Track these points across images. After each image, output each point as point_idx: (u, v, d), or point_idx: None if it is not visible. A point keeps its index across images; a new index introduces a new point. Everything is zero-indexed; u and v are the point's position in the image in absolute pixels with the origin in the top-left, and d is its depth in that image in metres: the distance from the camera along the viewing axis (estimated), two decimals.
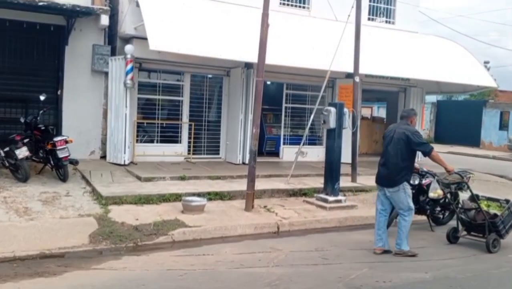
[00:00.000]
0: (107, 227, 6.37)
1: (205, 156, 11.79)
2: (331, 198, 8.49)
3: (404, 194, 6.03)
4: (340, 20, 11.22)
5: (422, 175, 7.11)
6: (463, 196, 7.46)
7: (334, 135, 8.59)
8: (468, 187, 7.02)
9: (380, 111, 25.53)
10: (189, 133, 11.46)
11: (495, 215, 6.64)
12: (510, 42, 53.71)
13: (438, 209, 7.57)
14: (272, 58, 10.14)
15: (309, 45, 10.89)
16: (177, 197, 7.85)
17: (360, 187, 10.09)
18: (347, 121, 8.80)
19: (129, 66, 9.71)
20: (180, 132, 11.54)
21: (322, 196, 8.66)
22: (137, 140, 10.89)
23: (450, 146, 27.74)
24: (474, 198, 6.83)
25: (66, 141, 8.25)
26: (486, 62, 37.71)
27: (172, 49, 9.07)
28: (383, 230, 6.22)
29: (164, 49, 9.06)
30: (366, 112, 25.25)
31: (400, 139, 6.03)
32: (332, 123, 8.53)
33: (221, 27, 10.14)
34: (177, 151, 11.39)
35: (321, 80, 13.38)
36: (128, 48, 9.72)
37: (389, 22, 14.54)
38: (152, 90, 11.35)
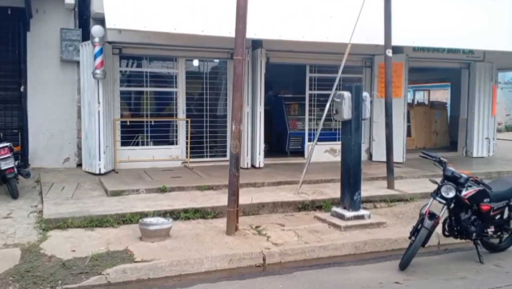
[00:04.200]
0: (27, 263, 5.40)
1: (208, 159, 10.71)
2: (348, 214, 7.08)
3: None
4: None
5: (461, 183, 5.49)
6: None
7: (350, 129, 7.17)
8: None
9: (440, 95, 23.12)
10: (187, 132, 10.39)
11: None
12: None
13: (492, 229, 5.91)
14: (274, 31, 8.96)
15: (326, 12, 9.41)
16: (142, 217, 6.78)
17: (398, 195, 8.58)
18: (368, 110, 7.29)
19: (97, 49, 8.75)
20: (176, 132, 10.52)
21: (339, 210, 7.27)
22: (121, 143, 9.97)
23: None
24: None
25: (11, 149, 7.43)
26: None
27: (136, 26, 8.02)
28: None
29: (125, 26, 8.03)
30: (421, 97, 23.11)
31: None
32: (347, 113, 7.11)
33: None
34: (172, 154, 10.38)
35: (355, 60, 12.02)
36: (96, 29, 8.77)
37: None
38: (138, 81, 10.41)
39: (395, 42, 9.37)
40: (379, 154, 11.11)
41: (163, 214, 7.00)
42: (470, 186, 5.58)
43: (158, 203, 7.47)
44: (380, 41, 9.08)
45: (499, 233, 6.01)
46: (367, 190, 8.67)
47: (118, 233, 6.48)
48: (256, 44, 10.40)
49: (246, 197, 7.80)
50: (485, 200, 5.67)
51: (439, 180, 5.72)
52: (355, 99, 7.13)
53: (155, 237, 6.18)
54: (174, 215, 7.11)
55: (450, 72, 14.65)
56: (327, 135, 11.57)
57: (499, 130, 26.72)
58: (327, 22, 9.32)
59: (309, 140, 11.67)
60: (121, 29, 8.41)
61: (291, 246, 6.17)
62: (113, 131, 9.63)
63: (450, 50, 12.41)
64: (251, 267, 5.79)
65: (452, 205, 5.58)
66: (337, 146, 10.85)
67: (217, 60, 11.56)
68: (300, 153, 11.83)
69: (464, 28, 10.71)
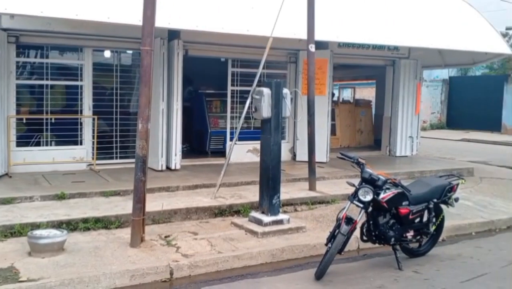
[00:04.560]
0: None
1: (118, 161, 10.11)
2: (267, 219, 6.84)
3: None
4: None
5: (379, 186, 5.39)
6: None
7: (269, 128, 6.93)
8: None
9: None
10: (94, 131, 9.74)
11: None
12: None
13: (411, 234, 5.87)
14: (191, 22, 8.61)
15: (247, 3, 9.17)
16: (33, 229, 6.16)
17: (319, 197, 8.48)
18: (288, 108, 7.09)
19: None
20: (81, 130, 9.82)
21: (257, 215, 7.02)
22: (17, 144, 9.17)
23: (465, 131, 26.26)
24: None
25: None
26: (508, 29, 36.23)
27: (31, 11, 7.31)
28: None
29: (18, 11, 7.31)
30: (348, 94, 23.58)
31: None
32: (266, 111, 6.85)
33: None
34: (76, 155, 9.69)
35: (278, 55, 11.90)
36: None
37: None
38: (38, 73, 9.62)
39: (318, 37, 9.28)
40: (303, 153, 11.01)
41: (59, 224, 6.43)
42: (388, 188, 5.49)
43: (53, 212, 6.85)
44: (303, 35, 8.94)
45: (418, 237, 5.96)
46: (288, 192, 8.54)
47: (4, 248, 5.84)
48: (173, 35, 9.94)
49: (157, 203, 7.39)
50: (404, 203, 5.61)
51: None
52: (275, 96, 6.89)
53: (46, 252, 5.61)
54: (72, 225, 6.56)
55: (375, 70, 14.90)
56: (249, 134, 11.34)
57: (424, 129, 27.91)
58: (248, 14, 9.07)
59: (231, 139, 11.38)
60: (13, 14, 7.68)
61: (203, 257, 5.82)
62: (7, 130, 8.81)
63: (376, 47, 12.61)
64: (156, 283, 5.39)
65: (370, 209, 5.47)
66: (258, 144, 10.69)
67: (130, 52, 11.00)
68: (222, 153, 11.49)
69: (389, 24, 10.86)
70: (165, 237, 6.47)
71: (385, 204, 5.44)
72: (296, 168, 10.66)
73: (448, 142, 21.46)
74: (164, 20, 8.13)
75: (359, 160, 5.62)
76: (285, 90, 7.08)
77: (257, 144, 11.08)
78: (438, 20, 11.68)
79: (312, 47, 8.80)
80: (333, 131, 14.20)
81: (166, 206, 7.35)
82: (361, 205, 5.37)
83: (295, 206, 8.14)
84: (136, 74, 10.52)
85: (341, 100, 18.27)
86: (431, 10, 11.92)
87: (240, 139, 11.46)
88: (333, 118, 14.20)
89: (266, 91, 6.85)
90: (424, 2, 12.13)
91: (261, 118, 6.95)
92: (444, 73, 29.92)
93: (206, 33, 9.21)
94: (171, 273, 5.51)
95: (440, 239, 6.80)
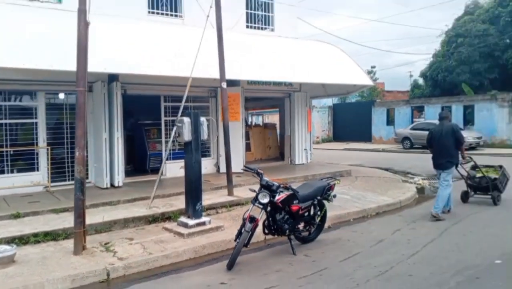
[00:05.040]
0: None
1: (70, 182, 9.20)
2: (191, 222, 6.47)
3: (451, 174, 7.42)
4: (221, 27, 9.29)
5: (274, 190, 5.24)
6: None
7: (191, 149, 6.59)
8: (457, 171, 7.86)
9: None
10: (48, 159, 8.91)
11: (495, 178, 8.35)
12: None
13: (302, 225, 5.76)
14: (124, 67, 8.11)
15: (172, 50, 8.84)
16: None
17: (236, 200, 8.21)
18: (205, 132, 6.81)
19: None
20: (37, 159, 8.95)
21: (183, 220, 6.62)
22: None
23: (346, 143, 27.20)
24: (478, 167, 8.57)
25: None
26: (373, 67, 38.24)
27: None
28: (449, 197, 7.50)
29: None
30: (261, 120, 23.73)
31: (448, 133, 7.29)
32: (187, 136, 6.53)
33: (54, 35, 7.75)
34: (34, 180, 8.81)
35: (201, 91, 11.63)
36: None
37: (268, 29, 12.92)
38: None
39: (229, 76, 9.15)
40: (225, 166, 10.74)
41: (11, 240, 5.73)
42: (282, 191, 5.34)
43: (8, 229, 6.10)
44: (217, 75, 8.73)
45: (308, 227, 5.86)
46: (211, 198, 8.22)
47: None
48: (113, 77, 9.38)
49: (99, 216, 6.81)
50: (294, 202, 5.50)
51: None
52: (194, 124, 6.58)
53: None
54: (24, 240, 5.86)
55: (278, 100, 14.98)
56: (181, 154, 10.71)
57: (317, 142, 28.66)
58: (173, 59, 8.72)
59: (167, 159, 10.90)
60: None
61: (136, 259, 5.34)
62: None
63: (275, 83, 12.68)
64: (95, 284, 4.86)
65: (269, 208, 5.30)
66: None
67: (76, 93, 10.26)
68: (159, 170, 10.92)
69: (285, 67, 10.93)
70: (105, 244, 5.92)
71: (280, 204, 5.28)
72: (219, 178, 10.35)
73: (334, 152, 22.07)
74: (100, 65, 7.66)
75: (258, 170, 5.44)
76: (202, 119, 6.79)
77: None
78: (320, 62, 11.92)
79: (224, 84, 8.60)
80: (249, 148, 14.07)
81: (107, 218, 6.76)
82: (261, 206, 5.18)
83: (216, 209, 7.83)
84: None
85: (253, 124, 18.24)
86: (314, 56, 12.17)
87: (174, 158, 11.08)
88: (248, 138, 14.10)
89: (186, 120, 6.54)
90: (309, 49, 12.37)
91: (184, 142, 6.62)
92: (329, 101, 31.01)
93: (140, 76, 8.78)
94: (108, 275, 5.01)
95: (326, 226, 6.76)
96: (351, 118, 28.43)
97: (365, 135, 27.20)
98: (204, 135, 6.85)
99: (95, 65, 7.52)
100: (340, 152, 22.03)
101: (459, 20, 28.20)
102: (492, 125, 21.44)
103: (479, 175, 8.58)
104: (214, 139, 9.97)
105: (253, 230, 5.04)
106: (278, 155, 14.78)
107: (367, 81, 12.63)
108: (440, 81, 27.05)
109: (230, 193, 8.50)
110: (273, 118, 24.45)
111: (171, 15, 11.01)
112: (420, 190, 10.65)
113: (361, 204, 8.36)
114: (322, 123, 30.11)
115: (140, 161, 11.59)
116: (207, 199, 8.11)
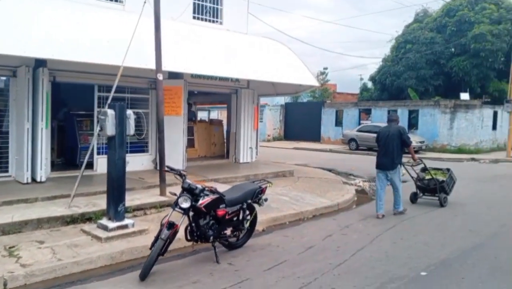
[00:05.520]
0: None
1: None
2: (112, 225, 5.97)
3: (399, 173, 7.77)
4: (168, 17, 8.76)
5: (197, 194, 4.87)
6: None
7: (114, 145, 6.08)
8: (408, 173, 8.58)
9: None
10: None
11: (443, 181, 8.70)
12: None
13: (229, 231, 5.45)
14: (57, 52, 7.43)
15: (104, 36, 8.20)
16: None
17: (168, 201, 7.72)
18: (132, 126, 6.31)
19: None
20: None
21: (103, 222, 6.10)
22: None
23: (297, 142, 27.35)
24: (427, 169, 8.87)
25: None
26: (325, 68, 38.78)
27: None
28: (384, 200, 7.74)
29: None
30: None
31: (394, 135, 7.60)
32: (110, 130, 6.01)
33: None
34: None
35: (141, 82, 11.01)
36: None
37: (216, 22, 12.48)
38: None
39: (170, 68, 8.69)
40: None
41: None
42: (207, 195, 4.99)
43: None
44: (153, 66, 8.21)
45: (236, 233, 5.56)
46: (141, 198, 7.72)
47: None
48: (39, 63, 8.57)
49: (9, 215, 6.12)
50: (221, 206, 5.16)
51: (209, 183, 5.04)
52: (119, 117, 6.07)
53: None
54: None
55: (225, 96, 14.59)
56: None
57: (268, 140, 28.62)
58: (106, 46, 8.09)
59: (98, 153, 10.22)
60: None
61: (41, 266, 4.79)
62: None
63: (222, 78, 12.28)
64: None
65: (192, 213, 4.93)
66: (128, 157, 9.68)
67: (3, 78, 9.32)
68: (91, 165, 10.20)
69: (232, 62, 10.56)
70: (10, 248, 5.30)
71: (203, 209, 4.92)
72: (155, 176, 9.69)
73: (284, 150, 22.06)
74: (20, 49, 6.92)
75: (181, 172, 5.05)
76: (129, 112, 6.30)
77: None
78: (268, 60, 11.67)
79: (160, 76, 8.10)
80: (192, 145, 13.59)
81: (18, 218, 6.10)
82: (182, 211, 4.80)
83: (145, 210, 7.34)
84: (8, 98, 8.93)
85: (199, 119, 17.71)
86: (263, 53, 11.89)
87: (106, 153, 10.37)
88: (192, 134, 13.62)
89: (110, 112, 6.01)
90: (258, 46, 12.08)
91: (106, 136, 6.09)
92: (282, 100, 31.07)
93: (70, 62, 8.04)
94: (5, 284, 4.43)
95: (260, 229, 6.54)
96: (302, 118, 28.64)
97: (314, 135, 27.50)
98: (131, 130, 6.35)
99: (10, 47, 6.83)
100: (289, 151, 22.05)
101: (408, 27, 29.19)
102: (435, 130, 22.35)
103: (428, 177, 8.88)
104: (151, 133, 9.40)
105: (171, 237, 4.66)
106: (224, 152, 14.41)
107: (313, 82, 12.56)
108: (388, 85, 27.88)
109: (162, 193, 8.04)
110: (224, 114, 24.04)
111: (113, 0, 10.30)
112: (360, 192, 10.74)
113: (298, 206, 8.21)
114: (274, 122, 30.13)
115: (70, 154, 10.81)
116: (137, 198, 7.63)
